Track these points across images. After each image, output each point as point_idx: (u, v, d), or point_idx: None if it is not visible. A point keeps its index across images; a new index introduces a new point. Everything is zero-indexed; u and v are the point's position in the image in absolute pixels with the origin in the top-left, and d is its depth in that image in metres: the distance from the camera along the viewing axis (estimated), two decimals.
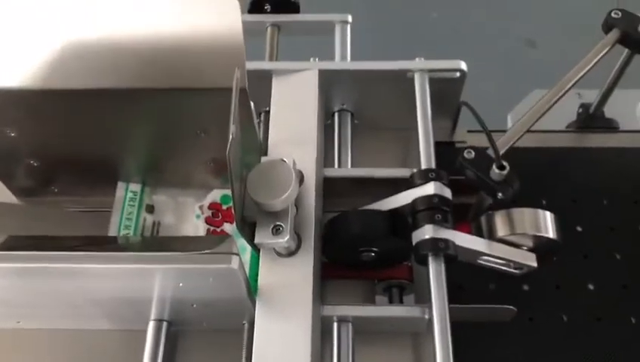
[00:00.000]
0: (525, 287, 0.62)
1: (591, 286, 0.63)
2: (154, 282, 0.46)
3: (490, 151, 0.54)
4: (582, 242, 0.65)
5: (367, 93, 0.65)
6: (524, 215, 0.56)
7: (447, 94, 0.63)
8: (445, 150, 0.67)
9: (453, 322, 0.52)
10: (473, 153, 0.53)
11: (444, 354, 0.48)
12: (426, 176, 0.55)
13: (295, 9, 0.75)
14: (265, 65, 0.62)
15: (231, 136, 0.41)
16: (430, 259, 0.52)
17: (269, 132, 0.58)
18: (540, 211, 0.57)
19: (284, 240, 0.49)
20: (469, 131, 0.70)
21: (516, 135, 0.56)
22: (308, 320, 0.49)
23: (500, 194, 0.52)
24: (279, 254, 0.52)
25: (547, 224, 0.57)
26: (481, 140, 0.69)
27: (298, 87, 0.60)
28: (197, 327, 0.57)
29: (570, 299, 0.62)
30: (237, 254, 0.45)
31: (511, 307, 0.56)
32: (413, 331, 0.56)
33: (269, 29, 0.73)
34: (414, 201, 0.54)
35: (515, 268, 0.57)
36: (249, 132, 0.53)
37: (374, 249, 0.56)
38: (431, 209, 0.53)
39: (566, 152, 0.70)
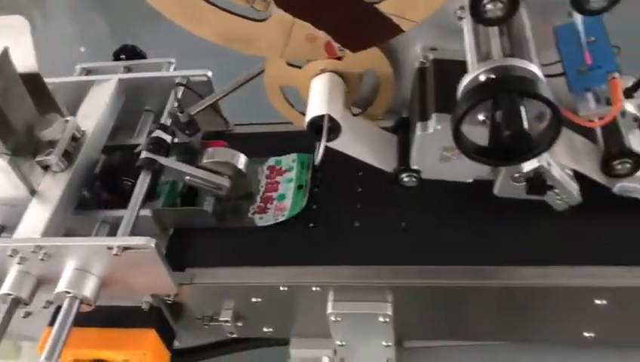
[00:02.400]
0: None
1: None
2: None
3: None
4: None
5: (162, 97, 0.99)
6: (226, 151, 0.87)
7: (204, 93, 0.96)
8: (218, 135, 1.00)
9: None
10: (178, 110, 0.86)
11: None
12: (156, 129, 0.87)
13: (142, 56, 1.12)
14: (87, 78, 1.00)
15: None
16: (142, 172, 0.83)
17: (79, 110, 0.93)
18: (238, 152, 0.87)
19: (50, 157, 0.82)
20: (236, 124, 1.02)
21: (206, 102, 0.88)
22: (48, 213, 0.80)
23: (187, 132, 0.84)
24: (54, 171, 0.84)
25: (239, 159, 0.87)
26: (244, 129, 1.02)
27: (103, 89, 0.96)
28: None
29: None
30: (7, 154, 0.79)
31: (204, 209, 0.85)
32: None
33: (122, 69, 1.10)
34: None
35: (215, 188, 0.86)
36: (45, 100, 0.88)
37: (131, 179, 0.87)
38: (151, 144, 0.85)
39: None
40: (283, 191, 0.90)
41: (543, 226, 0.78)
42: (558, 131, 0.57)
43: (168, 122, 0.89)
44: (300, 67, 0.77)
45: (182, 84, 0.92)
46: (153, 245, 0.73)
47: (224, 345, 0.94)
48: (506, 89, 0.56)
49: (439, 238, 0.80)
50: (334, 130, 0.73)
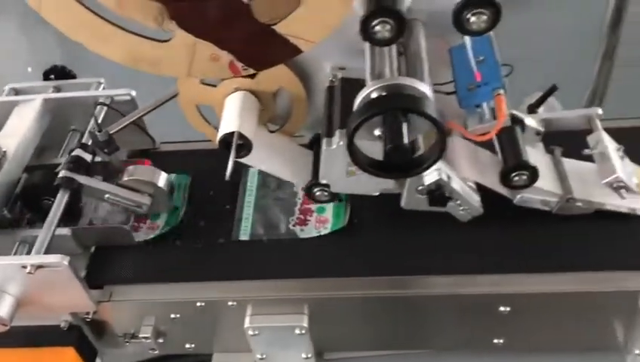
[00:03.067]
0: None
1: None
2: None
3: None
4: None
5: (88, 117, 1.00)
6: (146, 169, 0.88)
7: (128, 112, 0.97)
8: (144, 154, 1.01)
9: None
10: (98, 131, 0.87)
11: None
12: (76, 148, 0.88)
13: (72, 76, 1.12)
14: (11, 98, 1.00)
15: None
16: (60, 191, 0.83)
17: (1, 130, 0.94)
18: (159, 170, 0.88)
19: None
20: (162, 143, 1.04)
21: (125, 121, 0.89)
22: None
23: (105, 150, 0.85)
24: None
25: (160, 176, 0.88)
26: (170, 147, 1.03)
27: (27, 109, 0.97)
28: None
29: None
30: None
31: (124, 226, 0.85)
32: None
33: (51, 89, 1.10)
34: None
35: (136, 206, 0.87)
36: None
37: (52, 198, 0.87)
38: (71, 163, 0.85)
39: None
40: (322, 204, 0.89)
41: (451, 236, 0.82)
42: (443, 148, 0.60)
43: (90, 141, 0.90)
44: (214, 86, 0.79)
45: (103, 103, 0.93)
46: (66, 263, 0.74)
47: None
48: (392, 106, 0.59)
49: (352, 249, 0.83)
50: (245, 146, 0.75)
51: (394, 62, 0.66)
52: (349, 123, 0.60)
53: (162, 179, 0.88)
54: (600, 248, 0.79)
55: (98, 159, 0.90)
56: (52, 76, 1.12)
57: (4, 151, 0.89)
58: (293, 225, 0.87)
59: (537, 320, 0.80)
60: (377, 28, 0.60)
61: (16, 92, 1.09)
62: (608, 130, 0.89)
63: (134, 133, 0.99)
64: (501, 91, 0.66)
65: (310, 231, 0.86)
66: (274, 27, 0.62)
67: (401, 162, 0.60)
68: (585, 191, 0.80)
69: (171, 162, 0.98)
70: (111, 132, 0.87)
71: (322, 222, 0.87)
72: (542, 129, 0.83)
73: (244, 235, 0.87)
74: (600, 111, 0.83)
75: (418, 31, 0.71)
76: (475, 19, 0.60)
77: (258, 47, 0.64)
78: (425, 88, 0.61)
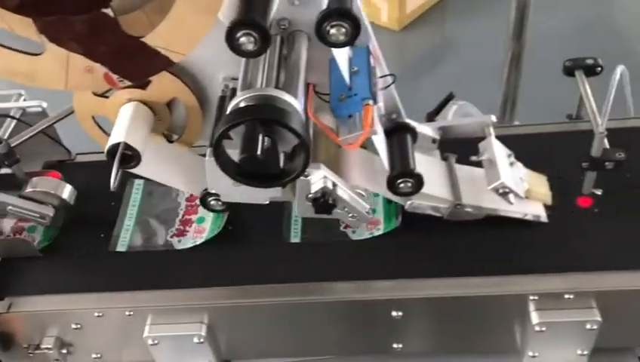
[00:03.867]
0: None
1: None
2: None
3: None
4: None
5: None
6: (50, 181, 0.89)
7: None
8: (59, 165, 1.02)
9: None
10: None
11: None
12: None
13: None
14: None
15: None
16: None
17: None
18: (63, 182, 0.89)
19: None
20: (78, 153, 1.04)
21: (29, 133, 0.90)
22: None
23: (6, 162, 0.85)
24: None
25: (64, 188, 0.89)
26: (86, 158, 1.03)
27: None
28: None
29: None
30: None
31: (25, 239, 0.86)
32: None
33: None
34: None
35: (40, 218, 0.87)
36: None
37: None
38: None
39: None
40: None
41: (347, 245, 0.83)
42: (307, 161, 0.61)
43: None
44: (107, 97, 0.79)
45: (5, 115, 0.93)
46: None
47: None
48: (249, 115, 0.60)
49: (249, 258, 0.84)
50: (134, 157, 0.75)
51: (272, 72, 0.67)
52: (215, 131, 0.61)
53: (67, 191, 0.89)
54: (491, 253, 0.81)
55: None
56: None
57: None
58: (344, 227, 0.87)
59: (431, 324, 0.81)
60: (242, 40, 0.61)
61: None
62: (517, 137, 0.92)
63: (47, 145, 0.99)
64: (370, 102, 0.67)
65: (362, 233, 0.85)
66: (143, 39, 0.63)
67: (256, 172, 0.61)
68: (475, 197, 0.81)
69: (86, 173, 0.99)
70: (13, 144, 0.87)
71: (374, 223, 0.86)
72: (437, 137, 0.84)
73: (295, 238, 0.87)
74: (493, 118, 0.85)
75: (301, 42, 0.72)
76: (335, 32, 0.61)
77: (129, 59, 0.64)
78: (291, 99, 0.62)
